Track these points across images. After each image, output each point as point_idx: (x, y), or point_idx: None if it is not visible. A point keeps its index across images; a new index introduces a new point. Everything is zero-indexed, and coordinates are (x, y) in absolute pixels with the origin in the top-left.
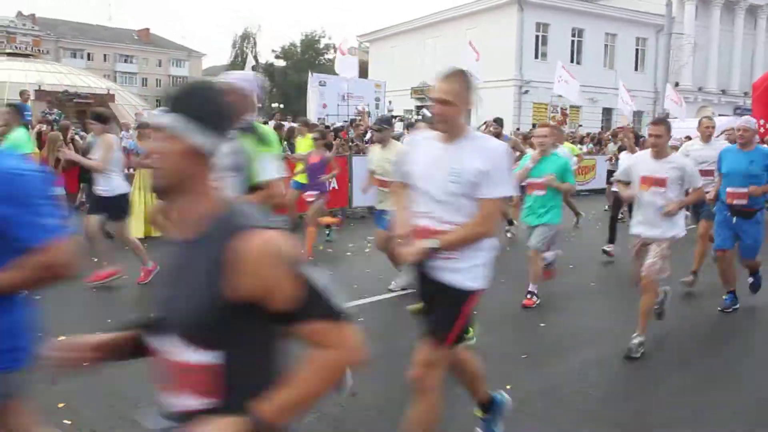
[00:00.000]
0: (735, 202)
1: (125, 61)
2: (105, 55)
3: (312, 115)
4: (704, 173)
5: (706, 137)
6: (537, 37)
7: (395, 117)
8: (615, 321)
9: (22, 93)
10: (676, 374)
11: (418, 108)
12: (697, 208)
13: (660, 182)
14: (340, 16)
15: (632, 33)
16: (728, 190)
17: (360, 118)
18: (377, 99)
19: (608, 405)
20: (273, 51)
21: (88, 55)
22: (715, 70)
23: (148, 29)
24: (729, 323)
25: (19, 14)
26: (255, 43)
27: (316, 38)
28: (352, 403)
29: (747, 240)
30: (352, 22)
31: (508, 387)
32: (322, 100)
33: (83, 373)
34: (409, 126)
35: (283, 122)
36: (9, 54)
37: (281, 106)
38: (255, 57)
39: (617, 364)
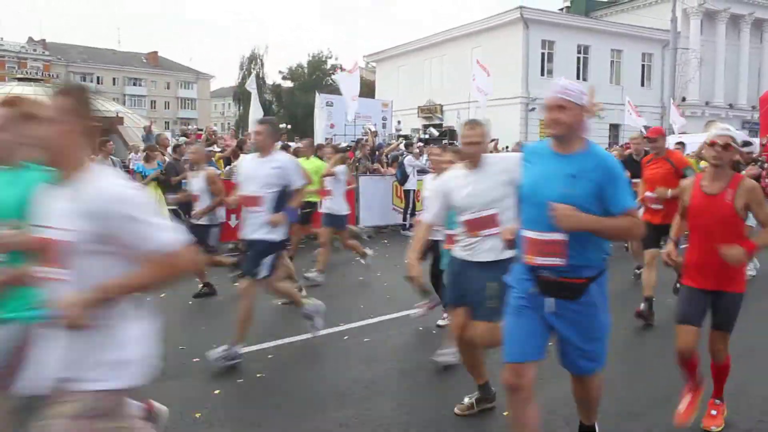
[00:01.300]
0: None
1: (134, 84)
2: (114, 79)
3: (319, 135)
4: None
5: None
6: (543, 54)
7: (401, 136)
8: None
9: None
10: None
11: (425, 127)
12: None
13: None
14: (346, 37)
15: (638, 49)
16: None
17: (366, 138)
18: (384, 118)
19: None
20: (280, 72)
21: (98, 78)
22: (722, 84)
23: (156, 52)
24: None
25: (30, 40)
26: (262, 65)
27: (323, 59)
28: (365, 417)
29: None
30: (359, 43)
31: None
32: (330, 120)
33: None
34: (409, 146)
35: (289, 143)
36: (20, 79)
37: (289, 126)
38: (262, 78)
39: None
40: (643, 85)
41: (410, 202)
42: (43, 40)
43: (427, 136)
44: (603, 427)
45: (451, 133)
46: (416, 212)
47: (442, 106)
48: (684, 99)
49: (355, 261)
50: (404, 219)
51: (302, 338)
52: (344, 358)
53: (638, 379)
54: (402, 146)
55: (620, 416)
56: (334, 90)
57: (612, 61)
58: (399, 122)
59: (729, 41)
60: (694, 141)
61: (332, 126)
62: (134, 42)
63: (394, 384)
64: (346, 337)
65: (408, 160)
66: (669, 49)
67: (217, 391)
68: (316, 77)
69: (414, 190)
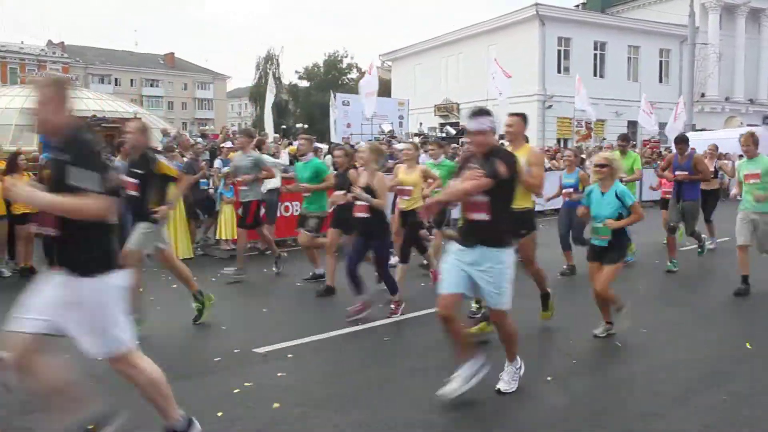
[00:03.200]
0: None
1: (151, 85)
2: (132, 80)
3: (336, 134)
4: None
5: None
6: (559, 51)
7: (418, 135)
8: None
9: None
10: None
11: (442, 125)
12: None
13: None
14: (362, 36)
15: (656, 45)
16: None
17: (383, 137)
18: (401, 117)
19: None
20: (296, 72)
21: (116, 80)
22: (741, 79)
23: (173, 53)
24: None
25: (50, 43)
26: (278, 65)
27: (339, 58)
28: (384, 415)
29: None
30: (375, 42)
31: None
32: (347, 120)
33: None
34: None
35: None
36: None
37: (305, 126)
38: (278, 78)
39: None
40: (660, 81)
41: None
42: (62, 43)
43: (444, 135)
44: (625, 427)
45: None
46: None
47: (458, 104)
48: (703, 95)
49: None
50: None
51: (321, 337)
52: (363, 356)
53: (658, 378)
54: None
55: (642, 415)
56: (351, 89)
57: (629, 58)
58: (421, 123)
59: (749, 35)
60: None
61: (349, 125)
62: (151, 44)
63: (413, 383)
64: (365, 336)
65: (422, 158)
66: (687, 45)
67: (237, 390)
68: (332, 76)
69: None
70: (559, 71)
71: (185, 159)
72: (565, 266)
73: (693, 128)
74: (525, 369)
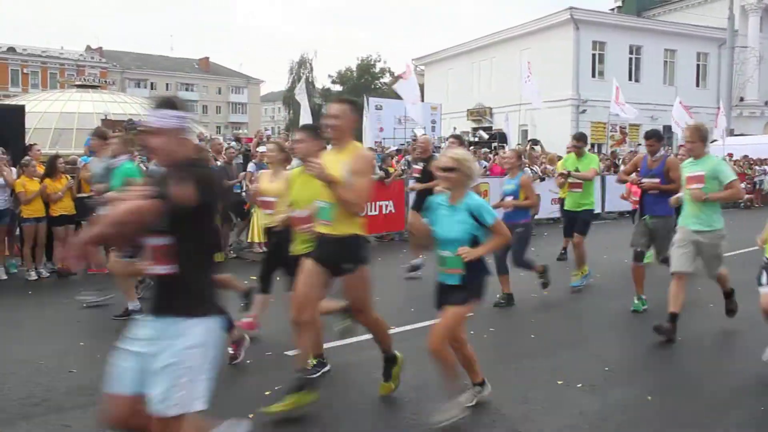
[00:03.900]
0: None
1: (186, 89)
2: (167, 84)
3: (368, 139)
4: None
5: None
6: (594, 55)
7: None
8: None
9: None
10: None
11: (474, 129)
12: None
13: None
14: (394, 40)
15: (693, 48)
16: None
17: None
18: (433, 122)
19: None
20: (329, 76)
21: (151, 84)
22: None
23: (207, 58)
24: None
25: (88, 48)
26: (312, 69)
27: (372, 63)
28: (414, 421)
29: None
30: (407, 46)
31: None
32: (379, 124)
33: None
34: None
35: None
36: (78, 86)
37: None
38: (312, 82)
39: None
40: (698, 85)
41: None
42: (100, 48)
43: (476, 139)
44: None
45: (500, 136)
46: None
47: (491, 108)
48: (742, 99)
49: (404, 265)
50: None
51: (351, 341)
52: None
53: (694, 388)
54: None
55: (678, 425)
56: (383, 93)
57: (665, 62)
58: (455, 128)
59: None
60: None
61: (381, 129)
62: (186, 48)
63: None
64: (396, 341)
65: None
66: (726, 48)
67: (268, 392)
68: (364, 81)
69: None
70: (593, 75)
71: (218, 163)
72: (498, 295)
73: (731, 133)
74: (556, 375)
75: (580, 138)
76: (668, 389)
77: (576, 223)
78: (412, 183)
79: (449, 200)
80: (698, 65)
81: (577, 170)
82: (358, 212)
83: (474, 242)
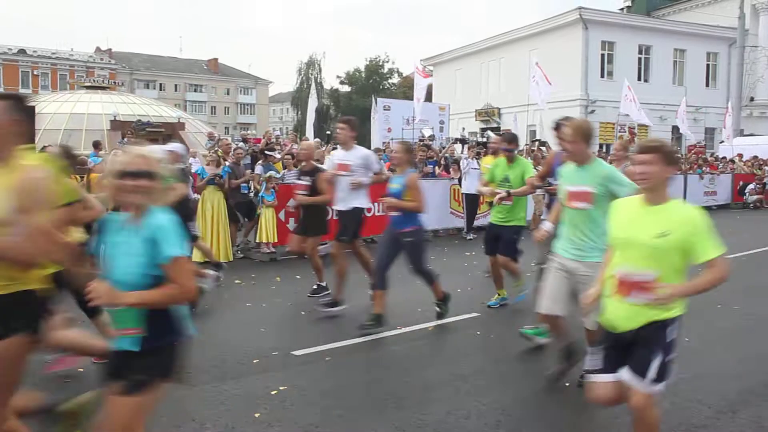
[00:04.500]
0: None
1: (195, 90)
2: (176, 85)
3: (377, 139)
4: None
5: None
6: (602, 55)
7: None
8: None
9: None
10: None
11: (483, 130)
12: None
13: None
14: (402, 41)
15: (702, 48)
16: None
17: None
18: (441, 122)
19: None
20: (338, 77)
21: (160, 85)
22: None
23: (216, 59)
24: None
25: (97, 49)
26: (320, 70)
27: (380, 63)
28: (421, 421)
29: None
30: (415, 47)
31: None
32: (387, 125)
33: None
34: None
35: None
36: (88, 87)
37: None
38: (320, 83)
39: None
40: (708, 85)
41: (472, 207)
42: (110, 50)
43: (485, 140)
44: None
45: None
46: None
47: (499, 109)
48: (752, 99)
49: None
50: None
51: (359, 341)
52: (401, 361)
53: (704, 389)
54: (459, 150)
55: (686, 427)
56: (392, 94)
57: (675, 62)
58: (464, 128)
59: None
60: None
61: (389, 130)
62: (195, 49)
63: (451, 389)
64: (403, 341)
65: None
66: (736, 48)
67: (274, 392)
68: (373, 81)
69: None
70: (602, 76)
71: (227, 163)
72: (367, 316)
73: (741, 133)
74: (564, 377)
75: (511, 140)
76: (676, 390)
77: (501, 240)
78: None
79: (130, 219)
80: (708, 65)
81: (506, 179)
82: (37, 259)
83: (154, 283)
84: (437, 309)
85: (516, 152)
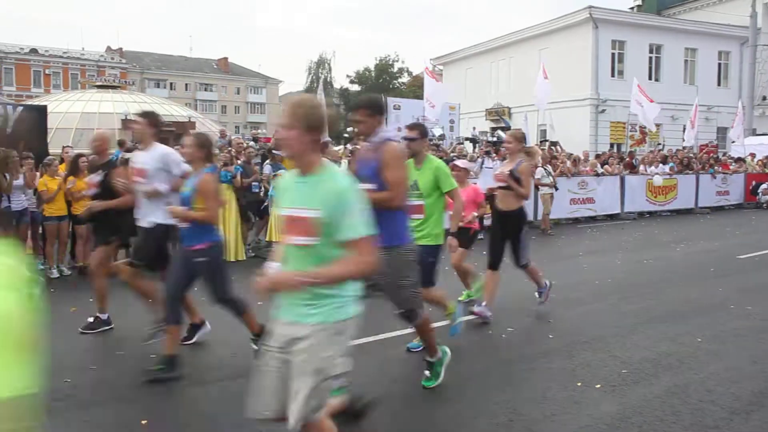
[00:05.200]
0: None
1: (205, 89)
2: (186, 85)
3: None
4: None
5: None
6: (613, 54)
7: (467, 139)
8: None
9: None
10: None
11: (493, 129)
12: None
13: None
14: (412, 40)
15: (714, 47)
16: None
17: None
18: (452, 121)
19: None
20: (348, 76)
21: (171, 84)
22: None
23: (226, 58)
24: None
25: (108, 49)
26: (330, 69)
27: (390, 62)
28: (433, 420)
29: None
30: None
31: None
32: (397, 124)
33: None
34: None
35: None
36: (99, 86)
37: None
38: (330, 82)
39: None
40: (719, 84)
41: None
42: (120, 49)
43: (495, 139)
44: None
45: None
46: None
47: (509, 108)
48: (765, 98)
49: None
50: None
51: (370, 340)
52: (411, 360)
53: (717, 390)
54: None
55: (698, 427)
56: (402, 93)
57: (686, 61)
58: (474, 128)
59: None
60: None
61: (399, 129)
62: (205, 49)
63: (461, 388)
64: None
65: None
66: (748, 47)
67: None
68: (383, 80)
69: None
70: (612, 75)
71: (238, 162)
72: (158, 361)
73: (753, 133)
74: (574, 376)
75: (420, 131)
76: (688, 391)
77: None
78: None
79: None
80: (720, 64)
81: (415, 185)
82: None
83: None
84: (252, 345)
85: (426, 145)
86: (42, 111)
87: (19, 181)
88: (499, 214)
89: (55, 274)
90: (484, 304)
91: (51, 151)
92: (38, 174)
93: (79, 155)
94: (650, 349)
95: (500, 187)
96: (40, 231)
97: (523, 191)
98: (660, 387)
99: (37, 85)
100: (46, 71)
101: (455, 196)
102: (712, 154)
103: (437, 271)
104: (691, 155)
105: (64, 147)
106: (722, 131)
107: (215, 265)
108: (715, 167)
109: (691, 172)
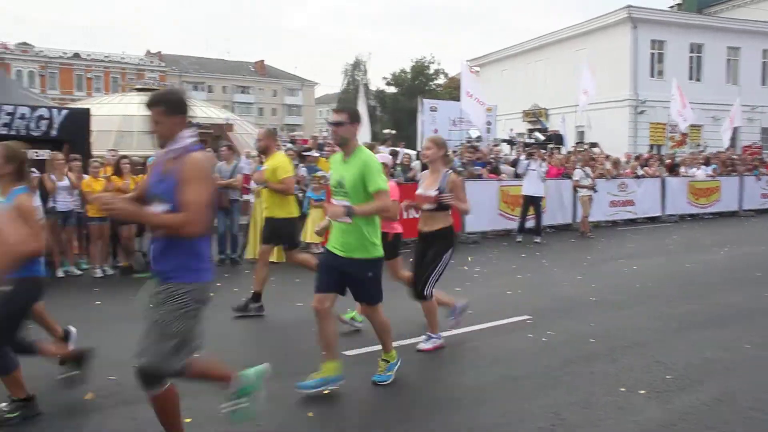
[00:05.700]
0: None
1: (242, 92)
2: (224, 87)
3: (422, 139)
4: None
5: None
6: (652, 54)
7: (504, 140)
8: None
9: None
10: None
11: (530, 131)
12: None
13: None
14: (449, 41)
15: (757, 45)
16: None
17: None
18: (488, 123)
19: None
20: (384, 78)
21: (209, 87)
22: None
23: (263, 61)
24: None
25: (148, 52)
26: (366, 71)
27: (426, 64)
28: (473, 423)
29: None
30: (461, 47)
31: None
32: (434, 125)
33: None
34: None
35: (396, 149)
36: (138, 89)
37: (393, 132)
38: (366, 84)
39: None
40: (763, 83)
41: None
42: (159, 53)
43: (532, 141)
44: None
45: (557, 138)
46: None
47: (547, 110)
48: None
49: (460, 267)
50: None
51: (411, 342)
52: (453, 362)
53: (765, 398)
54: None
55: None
56: (438, 95)
57: (728, 60)
58: (512, 129)
59: None
60: None
61: (436, 131)
62: (242, 52)
63: (504, 391)
64: (455, 342)
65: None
66: None
67: (327, 391)
68: (419, 82)
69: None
70: (652, 75)
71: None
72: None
73: None
74: (618, 381)
75: (350, 116)
76: (733, 396)
77: (351, 281)
78: None
79: None
80: (764, 63)
81: (340, 183)
82: None
83: None
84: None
85: (357, 132)
86: (86, 114)
87: (65, 182)
88: (425, 236)
89: (99, 273)
90: (432, 336)
91: (94, 152)
92: (84, 176)
93: (122, 157)
94: (695, 355)
95: (429, 209)
96: (85, 232)
97: (465, 206)
98: (707, 394)
99: (80, 89)
100: (88, 75)
101: (380, 198)
102: (756, 156)
103: (380, 289)
104: (734, 156)
105: (109, 150)
106: (767, 132)
107: (18, 303)
108: (760, 169)
109: (735, 174)
